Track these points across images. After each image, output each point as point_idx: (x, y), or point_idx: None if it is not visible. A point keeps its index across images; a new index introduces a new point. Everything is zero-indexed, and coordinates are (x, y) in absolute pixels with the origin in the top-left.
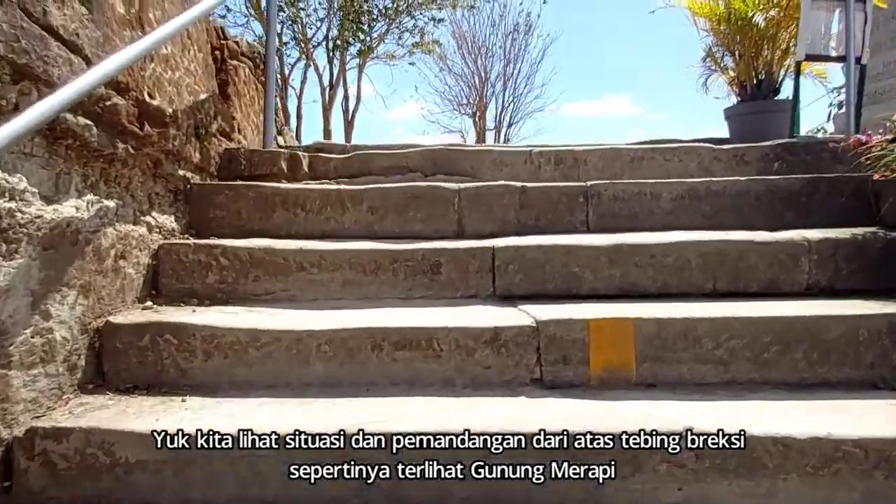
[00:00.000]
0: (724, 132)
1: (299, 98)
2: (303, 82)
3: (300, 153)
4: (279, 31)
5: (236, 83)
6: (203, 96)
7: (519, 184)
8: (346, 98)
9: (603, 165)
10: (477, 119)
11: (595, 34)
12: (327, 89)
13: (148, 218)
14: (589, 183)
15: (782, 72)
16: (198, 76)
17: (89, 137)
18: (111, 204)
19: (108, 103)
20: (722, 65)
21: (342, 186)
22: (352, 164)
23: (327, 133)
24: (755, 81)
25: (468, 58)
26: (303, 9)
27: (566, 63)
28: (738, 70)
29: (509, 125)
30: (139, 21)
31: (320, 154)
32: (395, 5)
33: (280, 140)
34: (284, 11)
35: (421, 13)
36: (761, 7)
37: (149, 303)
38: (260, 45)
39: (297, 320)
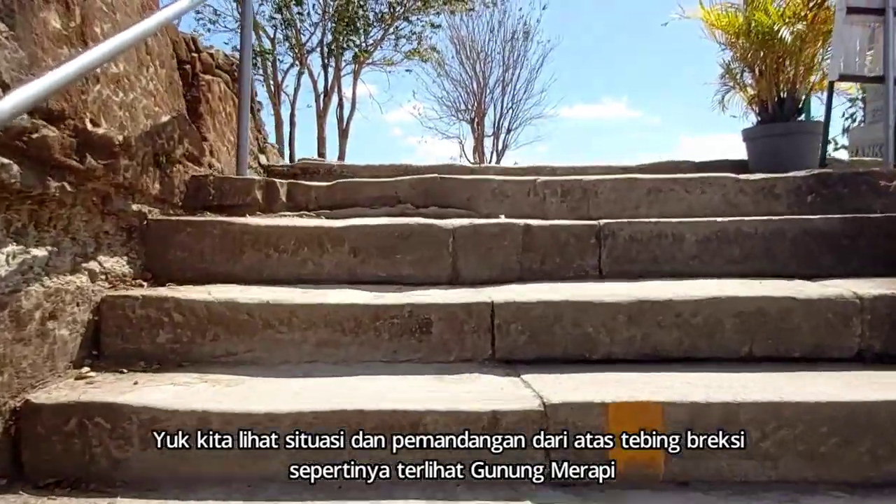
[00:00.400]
0: (727, 137)
1: (293, 104)
2: (296, 89)
3: (278, 181)
4: (272, 36)
5: (209, 100)
6: (165, 118)
7: (522, 222)
8: (340, 105)
9: (616, 197)
10: (475, 125)
11: (593, 37)
12: (322, 96)
13: (92, 264)
14: (602, 222)
15: (806, 89)
16: (159, 96)
17: (7, 179)
18: (41, 253)
19: (34, 136)
20: (740, 81)
21: (322, 223)
22: (335, 194)
23: (321, 141)
24: (776, 100)
25: (466, 63)
26: (299, 13)
27: (564, 65)
28: (758, 88)
29: (508, 131)
30: (81, 37)
31: (300, 182)
32: (391, 11)
33: (263, 158)
34: (280, 14)
35: (418, 18)
36: (786, 20)
37: (85, 369)
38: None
39: (258, 396)
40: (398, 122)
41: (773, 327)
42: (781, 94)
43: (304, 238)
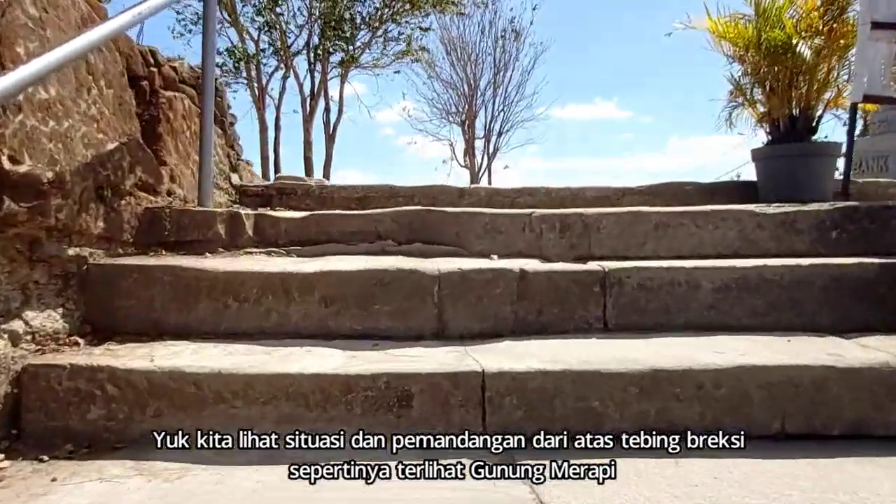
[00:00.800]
0: (724, 138)
1: (278, 108)
2: (282, 92)
3: (244, 212)
4: (255, 38)
5: (170, 119)
6: (112, 146)
7: (517, 267)
8: (327, 109)
9: (620, 233)
10: (466, 128)
11: (585, 38)
12: (308, 99)
13: (15, 324)
14: (607, 267)
15: (820, 107)
16: (104, 120)
17: None
18: None
19: None
20: (750, 98)
21: (289, 267)
22: (308, 227)
23: (307, 145)
24: (789, 118)
25: (457, 65)
26: (281, 14)
27: (555, 66)
28: (769, 104)
29: (499, 134)
30: None
31: (268, 213)
32: (378, 13)
33: (235, 178)
34: (262, 16)
35: (407, 21)
36: (802, 34)
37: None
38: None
39: (202, 498)
40: (389, 121)
41: (808, 400)
42: (794, 111)
43: (268, 285)
